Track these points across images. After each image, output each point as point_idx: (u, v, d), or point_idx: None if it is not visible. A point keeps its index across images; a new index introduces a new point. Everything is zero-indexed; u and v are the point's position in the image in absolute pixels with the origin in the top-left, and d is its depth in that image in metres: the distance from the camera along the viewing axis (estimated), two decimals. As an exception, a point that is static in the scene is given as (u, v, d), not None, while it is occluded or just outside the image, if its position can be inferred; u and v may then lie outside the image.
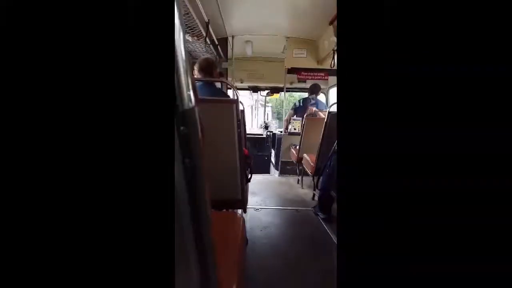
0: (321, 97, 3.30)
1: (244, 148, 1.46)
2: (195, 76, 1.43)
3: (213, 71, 1.44)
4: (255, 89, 4.13)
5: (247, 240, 1.43)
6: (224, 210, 1.31)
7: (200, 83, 1.40)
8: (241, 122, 1.15)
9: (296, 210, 2.15)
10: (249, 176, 1.51)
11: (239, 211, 1.37)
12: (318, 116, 2.73)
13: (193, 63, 1.47)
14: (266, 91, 4.09)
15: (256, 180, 2.90)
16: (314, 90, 3.10)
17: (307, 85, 3.22)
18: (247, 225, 1.81)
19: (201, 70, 1.41)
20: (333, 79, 3.37)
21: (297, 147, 2.75)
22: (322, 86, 3.40)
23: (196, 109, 0.32)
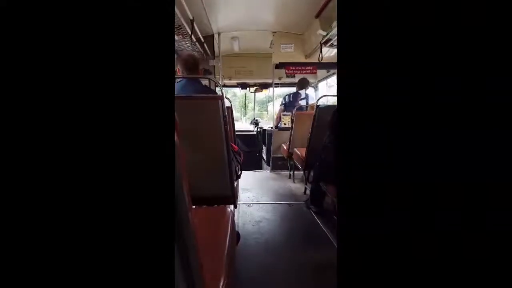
0: (310, 91, 3.32)
1: (233, 144, 1.46)
2: (179, 74, 1.41)
3: (198, 69, 1.43)
4: (243, 86, 4.11)
5: (239, 235, 1.43)
6: (216, 206, 1.31)
7: (184, 80, 1.38)
8: (228, 118, 1.14)
9: (289, 204, 2.16)
10: (239, 172, 1.51)
11: (231, 207, 1.37)
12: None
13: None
14: (255, 87, 4.07)
15: (248, 177, 2.90)
16: (303, 84, 3.13)
17: (296, 79, 3.22)
18: (240, 220, 1.81)
19: (188, 68, 1.39)
20: (321, 73, 3.38)
21: (288, 142, 2.76)
22: (311, 80, 3.43)
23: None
